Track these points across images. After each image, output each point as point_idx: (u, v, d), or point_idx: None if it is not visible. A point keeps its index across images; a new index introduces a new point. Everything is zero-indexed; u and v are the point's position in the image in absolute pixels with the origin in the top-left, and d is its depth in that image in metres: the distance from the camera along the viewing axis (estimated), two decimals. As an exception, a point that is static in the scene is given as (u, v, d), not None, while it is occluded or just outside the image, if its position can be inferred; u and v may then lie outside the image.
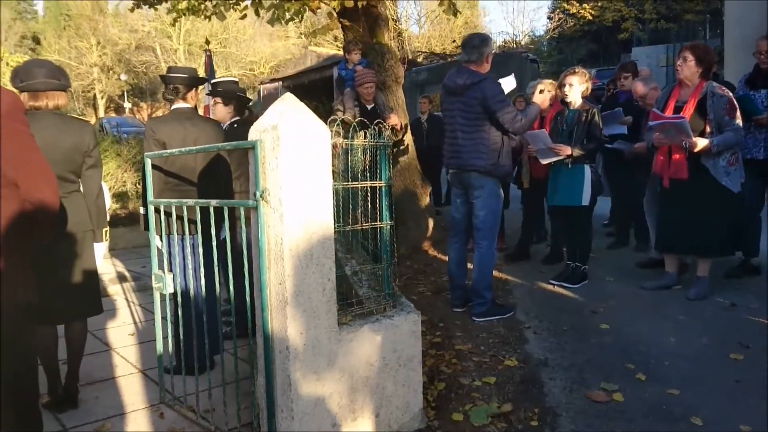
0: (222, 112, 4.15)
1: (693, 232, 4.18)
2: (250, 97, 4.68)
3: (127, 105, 34.55)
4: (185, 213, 2.88)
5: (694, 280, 4.41)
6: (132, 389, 3.24)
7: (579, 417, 2.81)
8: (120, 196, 8.44)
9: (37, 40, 38.89)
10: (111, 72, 34.73)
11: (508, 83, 4.22)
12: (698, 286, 4.32)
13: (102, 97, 35.50)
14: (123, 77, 34.10)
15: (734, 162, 4.14)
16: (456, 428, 2.74)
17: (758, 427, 2.61)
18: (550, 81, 5.34)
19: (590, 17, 27.05)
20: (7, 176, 1.74)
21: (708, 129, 4.07)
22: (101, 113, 33.73)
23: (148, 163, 3.04)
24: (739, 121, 4.06)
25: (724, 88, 4.17)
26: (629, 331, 3.80)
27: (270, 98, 17.81)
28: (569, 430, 2.70)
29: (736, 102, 4.09)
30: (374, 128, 2.86)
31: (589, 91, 4.75)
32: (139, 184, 8.89)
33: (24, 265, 1.88)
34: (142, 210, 3.54)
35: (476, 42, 4.12)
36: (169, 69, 3.70)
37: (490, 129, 4.04)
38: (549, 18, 31.11)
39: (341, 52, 6.86)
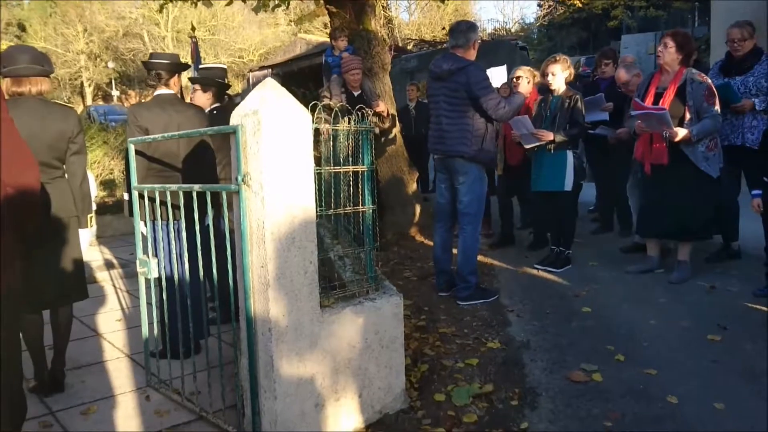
0: (201, 99, 4.15)
1: (673, 216, 4.24)
2: (230, 83, 4.67)
3: (115, 93, 34.17)
4: (169, 198, 2.89)
5: (675, 264, 4.49)
6: (118, 373, 3.27)
7: (558, 397, 2.86)
8: (107, 184, 8.42)
9: (22, 27, 38.31)
10: (98, 59, 34.31)
11: (499, 74, 4.26)
12: (679, 269, 4.40)
13: (89, 85, 35.09)
14: (110, 65, 33.69)
15: (713, 147, 4.20)
16: (438, 408, 2.79)
17: (732, 405, 2.68)
18: (528, 68, 5.40)
19: (580, 4, 26.94)
20: (-14, 161, 1.75)
21: (687, 115, 4.13)
22: (89, 101, 33.35)
23: (132, 148, 3.05)
24: (717, 107, 4.11)
25: (703, 75, 4.22)
26: (611, 314, 3.87)
27: (259, 85, 17.70)
28: (548, 409, 2.76)
29: (714, 89, 4.15)
30: (357, 114, 2.89)
31: (572, 76, 4.80)
32: (125, 171, 8.87)
33: (8, 252, 1.88)
34: (126, 196, 3.55)
35: (463, 27, 4.18)
36: (151, 55, 3.71)
37: (475, 115, 4.07)
38: (539, 5, 31.04)
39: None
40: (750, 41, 4.39)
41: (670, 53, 4.17)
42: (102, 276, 5.41)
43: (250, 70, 24.12)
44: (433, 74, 4.23)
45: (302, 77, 18.32)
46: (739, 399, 2.74)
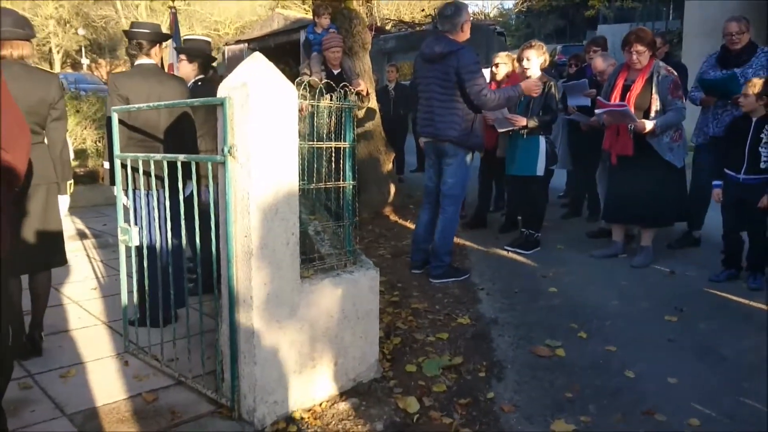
0: (186, 69, 4.14)
1: (637, 204, 4.42)
2: (215, 56, 4.66)
3: (85, 61, 33.25)
4: (152, 168, 2.92)
5: (638, 249, 4.69)
6: (96, 339, 3.31)
7: (524, 369, 3.02)
8: (79, 153, 8.28)
9: (-13, -12, 36.82)
10: (68, 26, 33.25)
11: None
12: (642, 254, 4.59)
13: (58, 52, 34.04)
14: (81, 32, 32.69)
15: (677, 138, 4.38)
16: (409, 378, 2.91)
17: (684, 379, 2.86)
18: (507, 53, 5.51)
19: (558, -7, 27.21)
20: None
21: (654, 107, 4.28)
22: (57, 68, 32.40)
23: (115, 117, 3.06)
24: (682, 101, 4.29)
25: (670, 68, 4.37)
26: (575, 295, 4.04)
27: (235, 60, 17.46)
28: (514, 380, 2.91)
29: (680, 82, 4.33)
30: (340, 91, 2.95)
31: (547, 62, 4.91)
32: (98, 141, 8.75)
33: (4, 215, 1.91)
34: (106, 165, 3.56)
35: (448, 12, 4.16)
36: (132, 24, 3.69)
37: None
38: (518, -8, 31.14)
39: (309, 16, 6.84)
40: (746, 34, 4.51)
41: (645, 56, 4.30)
42: (75, 246, 5.38)
43: (226, 44, 23.69)
44: (424, 56, 4.22)
45: (280, 53, 18.12)
46: (691, 374, 2.92)
